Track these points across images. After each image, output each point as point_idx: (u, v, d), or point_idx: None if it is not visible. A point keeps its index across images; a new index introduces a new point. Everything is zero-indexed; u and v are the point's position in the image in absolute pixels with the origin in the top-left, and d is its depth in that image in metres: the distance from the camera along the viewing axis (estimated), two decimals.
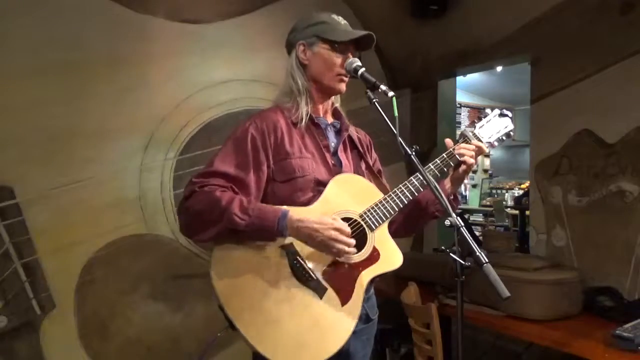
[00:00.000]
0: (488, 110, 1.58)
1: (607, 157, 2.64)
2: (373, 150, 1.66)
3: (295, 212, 1.30)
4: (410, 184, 1.45)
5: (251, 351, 1.33)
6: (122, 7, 2.52)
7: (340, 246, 1.28)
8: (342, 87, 1.48)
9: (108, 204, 2.49)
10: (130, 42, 2.55)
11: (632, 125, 2.53)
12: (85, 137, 2.43)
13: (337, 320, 1.31)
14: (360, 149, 1.58)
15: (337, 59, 1.44)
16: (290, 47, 1.51)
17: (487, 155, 9.29)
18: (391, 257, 1.41)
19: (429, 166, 1.48)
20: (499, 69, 4.78)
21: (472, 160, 1.48)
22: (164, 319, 2.62)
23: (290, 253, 1.31)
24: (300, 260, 1.31)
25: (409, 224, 1.59)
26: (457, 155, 1.48)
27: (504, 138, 1.60)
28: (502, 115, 1.58)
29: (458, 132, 3.17)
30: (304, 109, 1.44)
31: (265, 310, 1.26)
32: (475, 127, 1.56)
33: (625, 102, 2.56)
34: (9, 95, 2.25)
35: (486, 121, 1.58)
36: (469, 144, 1.52)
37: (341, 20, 1.50)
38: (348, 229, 1.32)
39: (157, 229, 2.63)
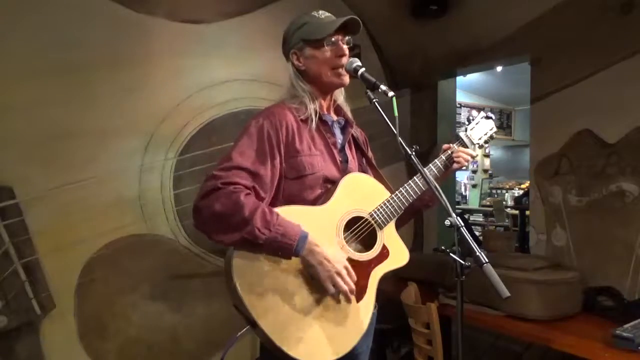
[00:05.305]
0: (474, 113, 1.66)
1: (607, 157, 2.64)
2: (369, 146, 1.71)
3: (314, 236, 1.32)
4: (414, 183, 1.50)
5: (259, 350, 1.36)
6: (122, 7, 2.52)
7: (342, 284, 1.31)
8: (344, 80, 1.49)
9: (108, 204, 2.49)
10: (130, 42, 2.55)
11: (632, 125, 2.53)
12: (86, 137, 2.43)
13: (353, 317, 1.37)
14: (361, 145, 1.63)
15: (327, 53, 1.46)
16: (286, 57, 1.54)
17: (487, 155, 9.32)
18: (399, 254, 1.47)
19: (430, 167, 1.57)
20: (499, 69, 4.79)
21: (465, 163, 1.60)
22: (164, 319, 2.62)
23: None
24: None
25: (402, 219, 1.64)
26: (454, 157, 1.59)
27: (489, 139, 1.73)
28: (487, 117, 1.71)
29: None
30: (312, 108, 1.46)
31: (287, 311, 1.29)
32: (467, 130, 1.66)
33: (625, 102, 2.56)
34: (9, 95, 2.25)
35: (475, 123, 1.68)
36: (466, 147, 1.63)
37: (322, 14, 1.50)
38: (353, 274, 1.35)
39: (157, 229, 2.63)
